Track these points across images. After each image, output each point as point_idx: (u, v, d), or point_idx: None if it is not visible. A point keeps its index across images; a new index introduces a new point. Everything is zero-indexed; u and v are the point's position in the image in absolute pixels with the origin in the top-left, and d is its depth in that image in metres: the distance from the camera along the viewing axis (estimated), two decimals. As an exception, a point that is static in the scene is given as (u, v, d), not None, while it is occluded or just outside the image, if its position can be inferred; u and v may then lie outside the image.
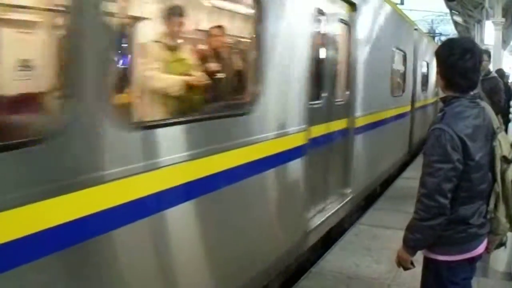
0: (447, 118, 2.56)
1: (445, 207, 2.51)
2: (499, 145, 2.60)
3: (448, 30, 46.39)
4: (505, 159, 2.60)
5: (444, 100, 2.69)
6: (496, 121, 2.72)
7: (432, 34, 41.48)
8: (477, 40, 27.66)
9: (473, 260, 2.76)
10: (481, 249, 2.72)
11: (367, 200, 7.47)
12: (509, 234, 2.89)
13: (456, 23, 33.47)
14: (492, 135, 2.65)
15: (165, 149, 2.83)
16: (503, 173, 2.61)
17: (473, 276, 2.95)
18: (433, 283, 2.79)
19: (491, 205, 2.69)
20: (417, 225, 2.61)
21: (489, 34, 20.61)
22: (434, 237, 2.60)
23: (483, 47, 24.88)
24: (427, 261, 2.82)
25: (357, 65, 6.17)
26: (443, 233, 2.61)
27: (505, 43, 22.06)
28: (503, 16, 18.80)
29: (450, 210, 2.55)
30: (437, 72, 2.73)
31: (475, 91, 2.68)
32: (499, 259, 4.68)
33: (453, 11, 29.24)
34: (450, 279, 2.72)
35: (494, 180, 2.66)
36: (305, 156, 4.55)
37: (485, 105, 2.76)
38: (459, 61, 2.55)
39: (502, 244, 2.85)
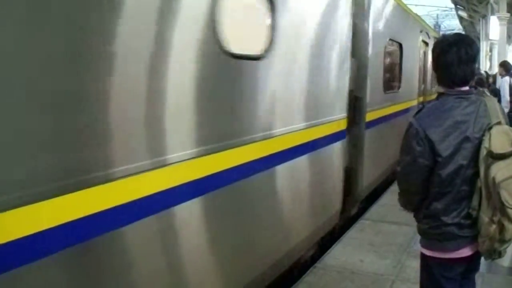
0: (421, 113, 2.62)
1: (407, 192, 2.72)
2: (488, 139, 2.47)
3: (453, 25, 46.19)
4: (490, 155, 2.44)
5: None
6: (496, 116, 2.58)
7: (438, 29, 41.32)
8: (482, 35, 27.49)
9: (463, 261, 2.67)
10: (465, 252, 2.63)
11: (371, 196, 7.52)
12: None
13: (461, 18, 33.29)
14: (484, 130, 2.52)
15: None
16: (487, 168, 2.46)
17: (475, 272, 2.92)
18: (427, 278, 2.80)
19: (474, 202, 2.53)
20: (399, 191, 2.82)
21: (494, 29, 20.50)
22: (409, 204, 2.78)
23: (488, 42, 24.80)
24: (421, 257, 2.84)
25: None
26: (421, 225, 2.72)
27: (510, 38, 21.90)
28: (508, 11, 18.66)
29: (422, 202, 2.67)
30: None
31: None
32: (504, 254, 4.66)
33: (458, 6, 29.10)
34: (442, 274, 2.71)
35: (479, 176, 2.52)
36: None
37: (488, 100, 2.64)
38: (442, 55, 2.58)
39: (494, 250, 2.55)
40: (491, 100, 2.68)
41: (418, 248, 2.88)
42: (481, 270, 3.64)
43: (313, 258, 5.23)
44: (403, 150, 2.64)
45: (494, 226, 2.44)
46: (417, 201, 2.70)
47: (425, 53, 11.76)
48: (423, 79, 11.64)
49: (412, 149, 2.55)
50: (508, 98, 9.19)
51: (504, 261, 4.75)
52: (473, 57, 2.57)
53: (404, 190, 2.75)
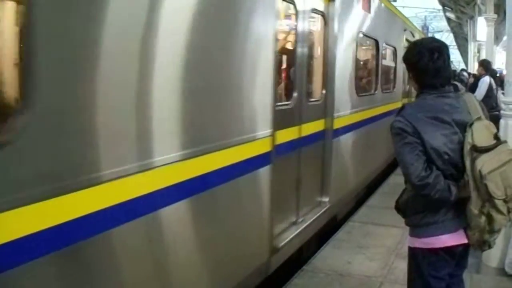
0: (403, 111, 2.66)
1: (432, 186, 2.56)
2: (470, 135, 2.56)
3: (441, 26, 46.52)
4: (474, 148, 2.54)
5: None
6: (475, 111, 2.69)
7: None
8: (470, 36, 27.68)
9: (450, 253, 2.71)
10: (444, 241, 2.66)
11: (360, 198, 7.47)
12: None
13: (448, 20, 33.51)
14: (464, 125, 2.61)
15: None
16: (472, 162, 2.54)
17: (462, 272, 2.95)
18: (416, 278, 2.80)
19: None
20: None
21: (481, 30, 20.68)
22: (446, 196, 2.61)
23: (476, 43, 24.90)
24: (409, 254, 2.85)
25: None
26: (415, 217, 2.73)
27: (497, 39, 22.10)
28: (495, 12, 18.81)
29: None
30: (409, 76, 2.83)
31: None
32: (492, 255, 4.67)
33: (445, 7, 29.27)
34: (431, 274, 2.72)
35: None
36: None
37: (466, 96, 2.76)
38: (430, 63, 2.64)
39: (484, 242, 2.65)
40: (469, 96, 2.80)
41: (406, 249, 2.87)
42: (469, 271, 3.63)
43: (301, 260, 5.20)
44: (402, 156, 2.58)
45: (484, 218, 2.52)
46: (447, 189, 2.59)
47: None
48: (323, 83, 5.51)
49: (409, 143, 2.55)
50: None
51: (492, 262, 4.76)
52: (450, 58, 2.75)
53: (430, 184, 2.55)
